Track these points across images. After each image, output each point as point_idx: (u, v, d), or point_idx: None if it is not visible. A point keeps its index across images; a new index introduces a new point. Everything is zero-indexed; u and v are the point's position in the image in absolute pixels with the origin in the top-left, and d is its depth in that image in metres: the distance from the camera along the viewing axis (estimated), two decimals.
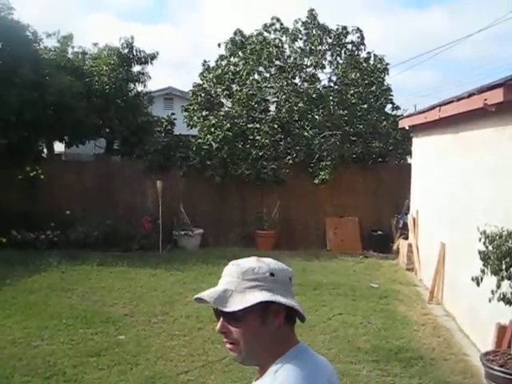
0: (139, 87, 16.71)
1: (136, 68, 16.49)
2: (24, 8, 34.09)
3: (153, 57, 16.34)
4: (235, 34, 17.03)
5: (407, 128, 13.74)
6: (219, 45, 16.89)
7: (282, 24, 16.68)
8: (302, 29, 16.56)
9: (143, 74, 16.48)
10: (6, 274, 11.15)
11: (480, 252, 5.81)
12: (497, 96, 6.49)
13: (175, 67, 41.65)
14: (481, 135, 7.87)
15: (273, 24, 16.77)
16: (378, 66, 16.57)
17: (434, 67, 65.53)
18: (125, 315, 8.99)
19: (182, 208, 14.91)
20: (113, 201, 15.19)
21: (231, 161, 14.98)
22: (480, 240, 5.85)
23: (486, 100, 6.77)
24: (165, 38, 40.48)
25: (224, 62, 16.82)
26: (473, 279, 5.87)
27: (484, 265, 5.72)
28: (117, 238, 14.33)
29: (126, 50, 16.10)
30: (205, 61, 17.10)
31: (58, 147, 17.81)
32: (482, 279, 5.78)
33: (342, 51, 16.59)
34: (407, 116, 13.62)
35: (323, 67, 16.46)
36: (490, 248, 5.71)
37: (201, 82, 16.69)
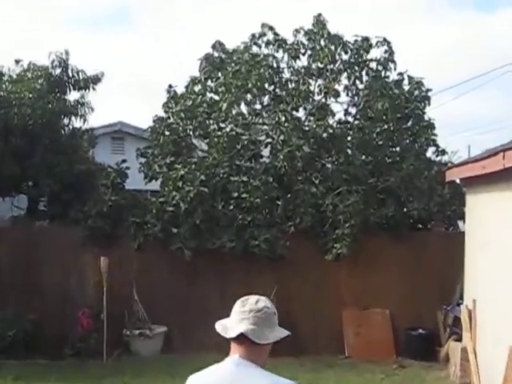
0: (77, 122, 16.72)
1: (73, 96, 16.52)
2: None
3: (96, 79, 16.47)
4: (214, 47, 17.18)
5: (458, 181, 13.99)
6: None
7: (276, 34, 16.81)
8: (305, 40, 16.71)
9: (82, 104, 16.50)
10: None
11: None
12: None
13: (128, 94, 41.32)
14: None
15: (264, 34, 16.93)
16: (416, 92, 16.61)
17: (499, 92, 65.34)
18: None
19: (136, 296, 14.86)
20: (37, 285, 15.07)
21: (207, 228, 14.92)
22: None
23: None
24: (117, 54, 40.37)
25: (198, 88, 16.83)
26: None
27: None
28: (42, 339, 14.21)
29: (59, 71, 16.19)
30: (170, 86, 17.04)
31: None
32: None
33: (363, 72, 16.72)
34: (458, 165, 13.73)
35: (337, 95, 16.52)
36: None
37: (164, 116, 16.64)
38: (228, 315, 13.26)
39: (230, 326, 3.80)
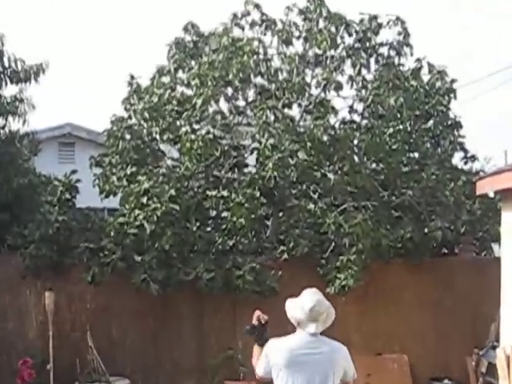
0: (15, 124, 15.67)
1: (9, 90, 15.58)
2: None
3: (38, 71, 15.21)
4: (186, 30, 15.92)
5: (492, 195, 12.79)
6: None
7: (263, 14, 15.39)
8: (299, 20, 15.35)
9: (21, 100, 15.40)
10: None
11: None
12: None
13: (80, 90, 37.94)
14: None
15: (248, 13, 15.47)
16: (438, 84, 15.61)
17: None
18: None
19: (90, 341, 13.61)
20: None
21: (178, 255, 13.83)
22: None
23: None
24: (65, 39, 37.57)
25: (166, 80, 15.65)
26: None
27: None
28: None
29: None
30: (132, 77, 15.87)
31: None
32: None
33: (372, 59, 15.44)
34: (491, 174, 12.57)
35: (339, 87, 15.07)
36: None
37: (125, 115, 15.54)
38: (206, 366, 11.28)
39: (304, 323, 6.00)
